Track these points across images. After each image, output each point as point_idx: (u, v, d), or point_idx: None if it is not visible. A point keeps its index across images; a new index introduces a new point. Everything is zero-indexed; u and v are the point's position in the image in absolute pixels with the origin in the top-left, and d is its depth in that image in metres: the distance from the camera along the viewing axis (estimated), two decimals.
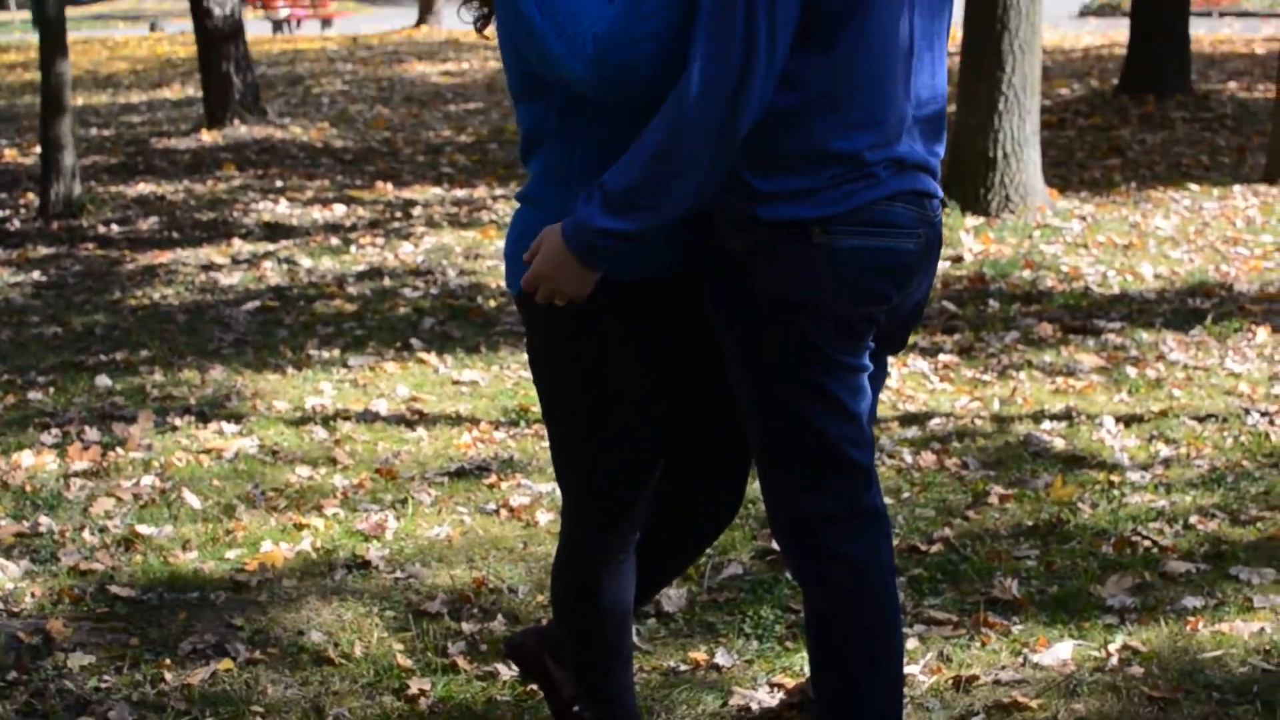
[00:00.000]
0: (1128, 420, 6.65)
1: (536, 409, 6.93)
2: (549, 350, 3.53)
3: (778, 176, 3.24)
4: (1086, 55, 21.77)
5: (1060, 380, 7.25)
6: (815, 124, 3.21)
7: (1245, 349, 7.74)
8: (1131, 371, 7.36)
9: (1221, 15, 29.56)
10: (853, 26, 3.18)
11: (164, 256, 10.77)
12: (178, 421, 6.99)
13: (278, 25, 34.46)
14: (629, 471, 3.55)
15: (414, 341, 8.29)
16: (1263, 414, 6.65)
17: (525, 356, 7.73)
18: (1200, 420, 6.61)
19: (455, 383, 7.54)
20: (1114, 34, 24.85)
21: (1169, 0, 16.24)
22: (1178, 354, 7.67)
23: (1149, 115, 15.46)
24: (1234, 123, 15.20)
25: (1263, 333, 7.94)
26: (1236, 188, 11.97)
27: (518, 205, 3.59)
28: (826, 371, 3.32)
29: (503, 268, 9.83)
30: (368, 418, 7.00)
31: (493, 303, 9.08)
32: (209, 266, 10.37)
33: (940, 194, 3.41)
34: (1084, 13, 31.86)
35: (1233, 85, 17.76)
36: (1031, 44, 10.69)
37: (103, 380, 7.70)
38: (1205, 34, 23.78)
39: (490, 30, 3.59)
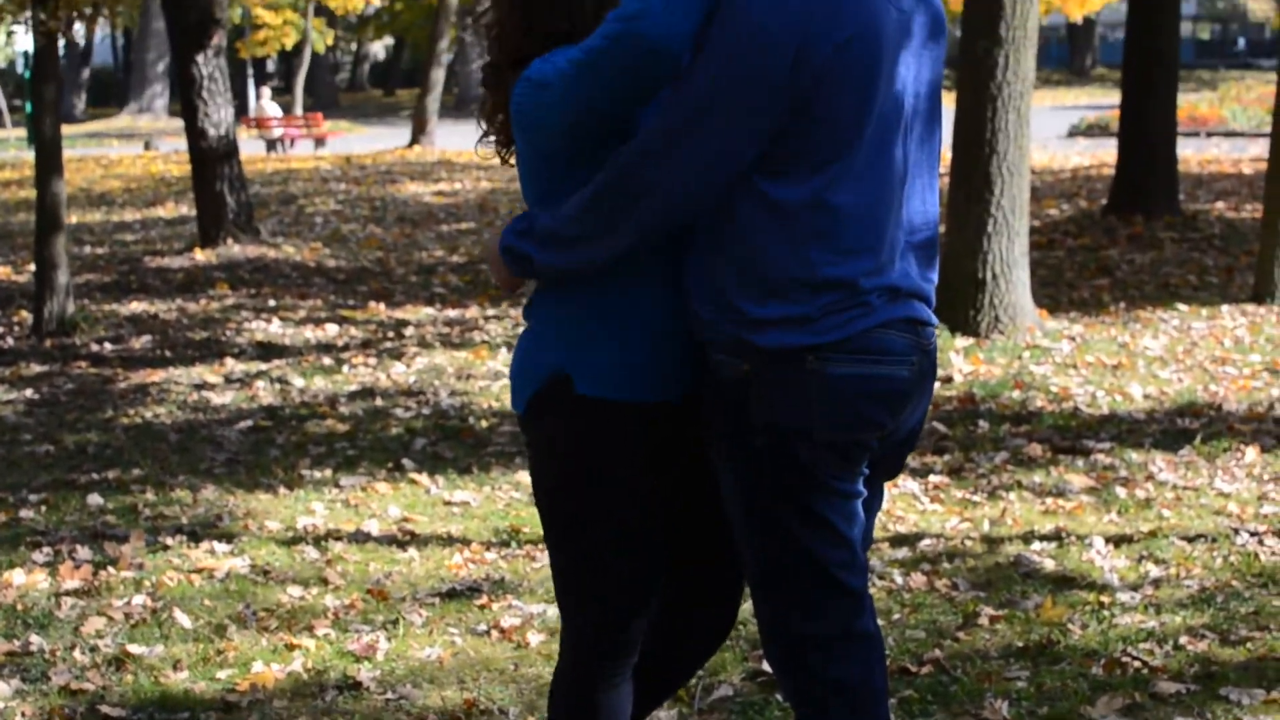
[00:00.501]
0: (1117, 541, 6.67)
1: (528, 530, 6.96)
2: (555, 475, 3.57)
3: (772, 303, 3.28)
4: (1075, 175, 21.97)
5: (1050, 501, 7.27)
6: (809, 251, 3.25)
7: (1234, 469, 7.76)
8: (1121, 492, 7.38)
9: (1209, 135, 29.81)
10: (847, 157, 3.23)
11: (157, 375, 10.80)
12: (169, 541, 7.00)
13: (271, 145, 34.69)
14: (630, 597, 3.58)
15: (406, 462, 8.31)
16: (1252, 534, 6.67)
17: (516, 477, 7.83)
18: (1190, 540, 6.63)
19: (447, 503, 7.55)
20: (1102, 154, 25.06)
21: (1157, 121, 16.39)
22: (1167, 474, 7.69)
23: (1137, 235, 15.58)
24: (1222, 243, 15.31)
25: (1251, 452, 7.97)
26: (1225, 307, 12.04)
27: (524, 325, 3.65)
28: (820, 497, 3.35)
29: (494, 388, 9.97)
30: (359, 538, 7.01)
31: (484, 423, 9.10)
32: (201, 385, 10.40)
33: (935, 321, 3.46)
34: (1073, 133, 32.14)
35: (1220, 205, 17.90)
36: (1020, 166, 10.79)
37: (94, 499, 7.71)
38: (1193, 154, 24.00)
39: (485, 152, 3.68)
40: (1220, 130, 30.60)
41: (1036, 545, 6.63)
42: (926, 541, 6.74)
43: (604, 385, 3.47)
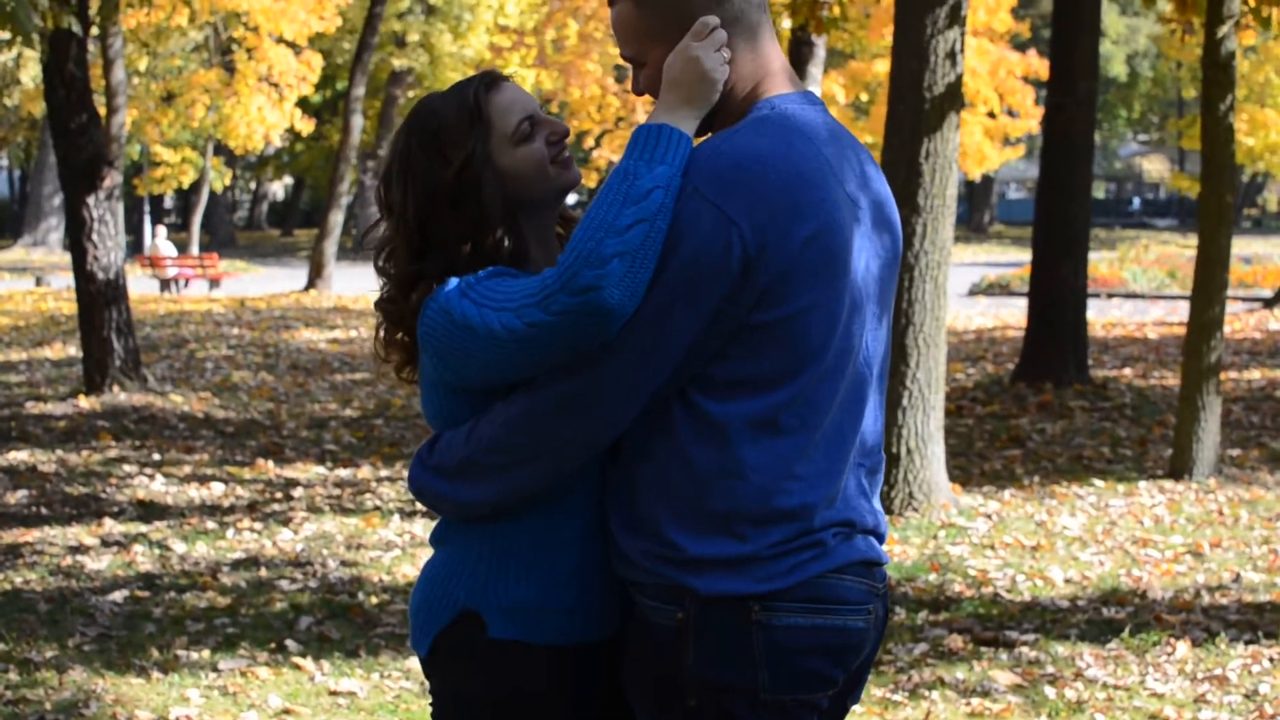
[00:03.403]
0: None
1: None
2: None
3: (712, 539, 2.86)
4: (980, 337, 21.81)
5: (976, 702, 6.84)
6: (756, 477, 2.84)
7: (1165, 665, 7.39)
8: (1050, 692, 6.97)
9: (1110, 296, 29.85)
10: (810, 368, 2.84)
11: (30, 535, 10.23)
12: None
13: (165, 284, 34.20)
14: None
15: (290, 643, 7.78)
16: None
17: (407, 664, 7.31)
18: None
19: (332, 693, 7.04)
20: (1005, 315, 24.98)
21: (1066, 287, 16.20)
22: (1096, 670, 7.30)
23: (1047, 404, 15.32)
24: (1133, 412, 15.08)
25: (1183, 647, 7.59)
26: (1142, 483, 11.75)
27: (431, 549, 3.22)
28: None
29: (385, 559, 9.47)
30: None
31: (374, 599, 8.59)
32: (77, 548, 9.84)
33: (886, 559, 3.05)
34: (973, 291, 32.10)
35: (1128, 372, 17.74)
36: (936, 338, 10.46)
37: None
38: (1095, 317, 23.93)
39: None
40: (1121, 292, 30.66)
41: None
42: None
43: (521, 628, 3.04)
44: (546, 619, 3.07)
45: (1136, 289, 31.13)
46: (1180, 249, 39.78)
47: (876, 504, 3.07)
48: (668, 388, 2.90)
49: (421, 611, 3.18)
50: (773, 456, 2.87)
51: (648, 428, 2.95)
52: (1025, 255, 40.99)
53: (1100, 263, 33.77)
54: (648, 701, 2.98)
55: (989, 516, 10.62)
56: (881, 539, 3.05)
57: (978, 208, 64.91)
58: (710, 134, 3.05)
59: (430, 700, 3.25)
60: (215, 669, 7.37)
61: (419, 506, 10.53)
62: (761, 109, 3.03)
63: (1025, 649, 7.63)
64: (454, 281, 3.04)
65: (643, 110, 36.36)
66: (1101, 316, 24.50)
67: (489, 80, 3.23)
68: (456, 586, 3.12)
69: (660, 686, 2.94)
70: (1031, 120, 35.52)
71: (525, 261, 3.13)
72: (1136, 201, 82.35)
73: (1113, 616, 8.20)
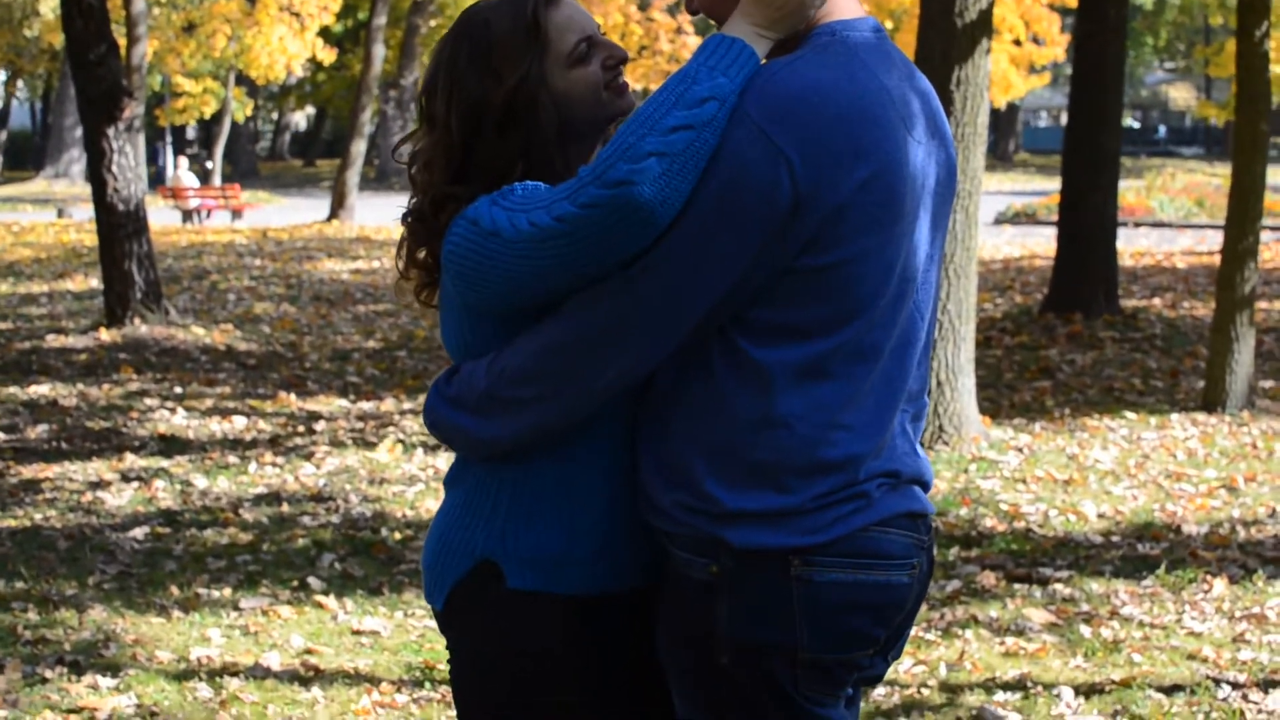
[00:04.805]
0: (1088, 691, 6.12)
1: (443, 667, 6.33)
2: (479, 689, 2.97)
3: (751, 492, 2.70)
4: (1007, 267, 21.59)
5: (1010, 641, 6.70)
6: (801, 426, 2.69)
7: (1203, 603, 7.24)
8: (1085, 631, 6.83)
9: (1137, 225, 29.55)
10: (862, 316, 2.69)
11: (50, 470, 10.12)
12: (48, 673, 6.34)
13: (187, 215, 34.08)
14: None
15: (311, 581, 7.66)
16: (1234, 685, 6.13)
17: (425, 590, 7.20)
18: (1166, 692, 6.08)
19: (355, 632, 6.92)
20: (1032, 244, 24.75)
21: (1097, 216, 15.99)
22: (1131, 608, 7.16)
23: (1077, 334, 15.14)
24: (1164, 343, 14.90)
25: (1219, 584, 7.46)
26: (1174, 416, 11.59)
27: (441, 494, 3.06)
28: None
29: (408, 494, 9.35)
30: (258, 673, 6.38)
31: (397, 535, 8.47)
32: (97, 484, 9.73)
33: (932, 509, 2.89)
34: (999, 220, 31.82)
35: (1158, 302, 17.55)
36: (967, 269, 10.29)
37: None
38: (1123, 246, 23.65)
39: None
40: (1148, 221, 30.36)
41: (1000, 695, 6.08)
42: (880, 691, 6.16)
43: (541, 578, 2.89)
44: (569, 568, 2.92)
45: (1164, 218, 30.80)
46: (1207, 178, 39.41)
47: (921, 451, 2.92)
48: (706, 325, 2.73)
49: (436, 563, 3.03)
50: (818, 405, 2.71)
51: (684, 369, 2.78)
52: (1051, 184, 40.68)
53: (1127, 191, 33.37)
54: (679, 658, 2.83)
55: (1020, 450, 10.47)
56: (927, 488, 2.89)
57: (1003, 136, 64.43)
58: (765, 60, 2.86)
59: (449, 659, 3.10)
60: (236, 608, 7.27)
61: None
62: (822, 35, 2.82)
63: (1059, 586, 7.50)
64: (485, 196, 2.85)
65: (665, 39, 36.04)
66: (1129, 246, 24.24)
67: None
68: (473, 534, 2.96)
69: (693, 643, 2.79)
70: (1057, 48, 35.13)
71: None
72: (1162, 130, 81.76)
73: (1147, 553, 8.06)
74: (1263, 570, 7.70)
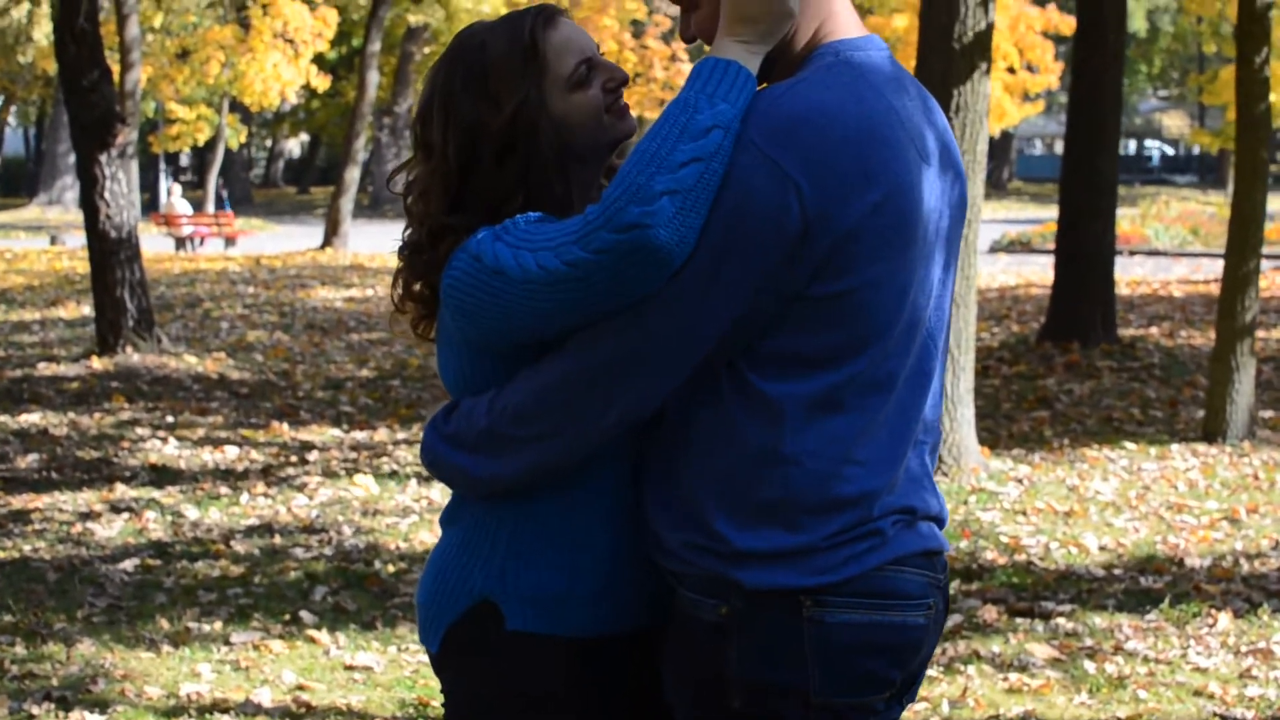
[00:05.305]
0: None
1: (437, 703, 6.21)
2: None
3: (761, 530, 2.60)
4: (1003, 296, 21.52)
5: (1014, 677, 6.60)
6: (813, 462, 2.60)
7: (1208, 638, 7.14)
8: (1090, 666, 6.73)
9: (1132, 254, 29.49)
10: (876, 344, 2.59)
11: (39, 501, 10.01)
12: (35, 709, 6.23)
13: (180, 243, 34.00)
14: None
15: (304, 614, 7.55)
16: None
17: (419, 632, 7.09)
18: None
19: (348, 667, 6.80)
20: (1028, 273, 24.68)
21: (1094, 244, 15.92)
22: (1135, 643, 7.06)
23: (1074, 364, 15.05)
24: (1162, 373, 14.81)
25: (1224, 618, 7.35)
26: (1174, 446, 11.49)
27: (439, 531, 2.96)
28: None
29: (402, 525, 9.24)
30: (249, 709, 6.26)
31: (391, 568, 8.36)
32: (87, 515, 9.62)
33: (947, 547, 2.80)
34: (994, 249, 31.76)
35: (1155, 331, 17.47)
36: (967, 298, 10.21)
37: None
38: (1119, 275, 23.57)
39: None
40: (1143, 249, 30.30)
41: None
42: None
43: (542, 619, 2.79)
44: (570, 609, 2.82)
45: (1159, 246, 30.75)
46: (1202, 206, 39.34)
47: (933, 483, 2.82)
48: (715, 358, 2.63)
49: (432, 603, 2.92)
50: (831, 439, 2.61)
51: (691, 403, 2.69)
52: (1045, 212, 40.66)
53: (1122, 219, 33.25)
54: (688, 701, 2.73)
55: (1019, 481, 10.38)
56: (942, 524, 2.80)
57: (998, 164, 64.44)
58: (765, 84, 2.77)
59: (445, 703, 2.99)
60: (227, 642, 7.15)
61: None
62: (825, 55, 2.73)
63: (1062, 620, 7.40)
64: (486, 229, 2.74)
65: (660, 66, 36.05)
66: (1124, 274, 24.18)
67: (546, 14, 2.90)
68: (471, 573, 2.85)
69: (702, 686, 2.69)
70: (1051, 75, 35.15)
71: (569, 216, 2.76)
72: (1156, 157, 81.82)
73: (1150, 586, 7.96)
74: (1268, 604, 7.61)
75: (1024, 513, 9.52)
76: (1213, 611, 7.48)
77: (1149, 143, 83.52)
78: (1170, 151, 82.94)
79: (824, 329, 2.60)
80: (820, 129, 2.58)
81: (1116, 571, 8.25)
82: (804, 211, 2.55)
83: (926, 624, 2.71)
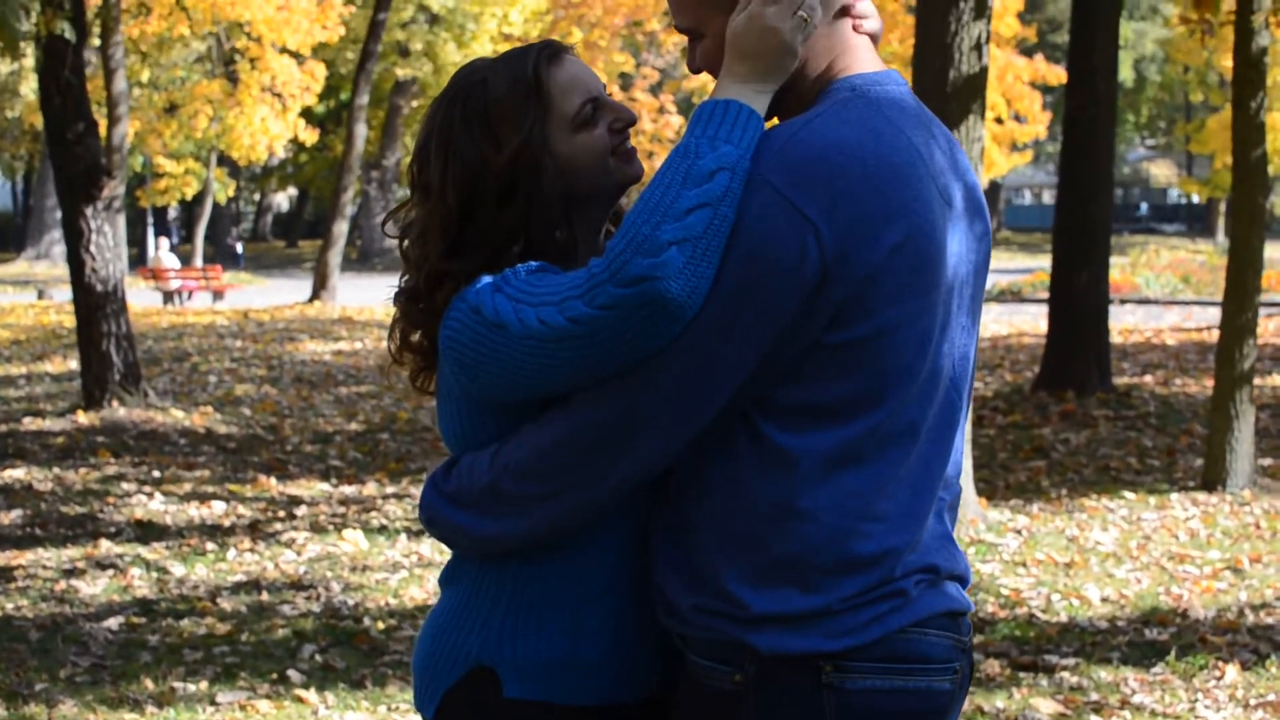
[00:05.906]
0: None
1: None
2: None
3: (776, 591, 2.46)
4: (995, 345, 21.44)
5: None
6: (829, 517, 2.45)
7: (1215, 690, 7.00)
8: None
9: (1123, 302, 29.43)
10: (897, 392, 2.45)
11: (22, 558, 9.84)
12: None
13: (168, 297, 33.91)
14: None
15: (291, 673, 7.37)
16: None
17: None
18: None
19: None
20: (1020, 322, 24.60)
21: (1088, 293, 15.83)
22: (1142, 696, 6.91)
23: (1070, 413, 14.93)
24: (1158, 421, 14.69)
25: (1231, 671, 7.20)
26: (1174, 496, 11.36)
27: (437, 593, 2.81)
28: None
29: (391, 581, 9.07)
30: None
31: (380, 625, 8.19)
32: (71, 571, 9.44)
33: (971, 607, 2.65)
34: (985, 298, 31.64)
35: (1150, 380, 17.37)
36: None
37: None
38: (1111, 323, 23.49)
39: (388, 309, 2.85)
40: (1134, 298, 30.26)
41: None
42: None
43: (542, 686, 2.64)
44: (572, 676, 2.67)
45: (1150, 294, 30.73)
46: (1191, 254, 39.38)
47: (954, 540, 2.68)
48: (729, 412, 2.50)
49: (427, 667, 2.77)
50: (849, 493, 2.47)
51: (703, 457, 2.55)
52: (1034, 261, 40.63)
53: (1112, 268, 33.30)
54: None
55: (1018, 532, 10.23)
56: (966, 583, 2.66)
57: None
58: (777, 119, 2.62)
59: None
60: (213, 702, 6.98)
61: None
62: (840, 90, 2.60)
63: (1066, 674, 7.25)
64: (487, 278, 2.60)
65: (648, 118, 35.98)
66: (1116, 322, 24.07)
67: (551, 50, 2.78)
68: (468, 637, 2.71)
69: None
70: (1039, 125, 35.15)
71: (572, 263, 2.66)
72: (1144, 207, 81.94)
73: (1155, 638, 7.82)
74: (1275, 655, 7.46)
75: (1024, 564, 9.37)
76: (1219, 664, 7.34)
77: (1135, 192, 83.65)
78: (1158, 201, 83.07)
79: (842, 377, 2.46)
80: (839, 167, 2.44)
81: (1120, 623, 8.10)
82: (823, 255, 2.41)
83: (952, 689, 2.57)
